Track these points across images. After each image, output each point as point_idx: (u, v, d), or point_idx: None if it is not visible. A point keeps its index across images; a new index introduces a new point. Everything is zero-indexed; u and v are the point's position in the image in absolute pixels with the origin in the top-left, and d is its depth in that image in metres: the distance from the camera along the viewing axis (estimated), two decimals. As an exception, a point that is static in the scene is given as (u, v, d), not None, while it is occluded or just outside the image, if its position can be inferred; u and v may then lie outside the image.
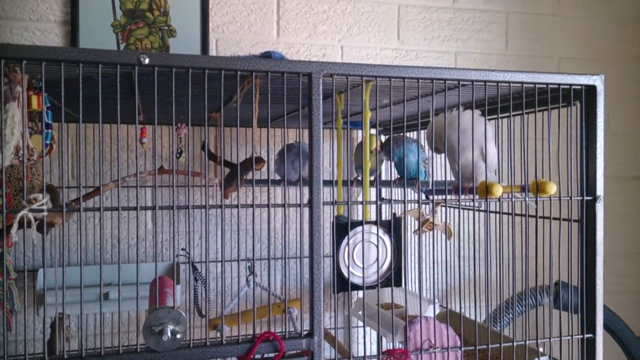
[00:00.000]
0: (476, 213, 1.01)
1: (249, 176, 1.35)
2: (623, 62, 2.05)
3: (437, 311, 1.36)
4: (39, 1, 1.54)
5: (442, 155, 1.08)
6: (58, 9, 1.55)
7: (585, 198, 1.01)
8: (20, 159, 0.79)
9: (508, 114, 1.02)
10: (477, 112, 1.01)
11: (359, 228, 0.98)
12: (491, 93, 1.03)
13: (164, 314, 0.81)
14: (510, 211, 1.05)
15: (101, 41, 1.56)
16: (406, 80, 0.91)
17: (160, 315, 0.81)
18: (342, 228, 0.98)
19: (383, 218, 1.00)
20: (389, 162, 1.40)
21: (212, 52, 1.66)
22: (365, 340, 1.79)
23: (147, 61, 0.78)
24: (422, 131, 1.45)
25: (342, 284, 0.98)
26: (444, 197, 0.98)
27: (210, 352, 0.83)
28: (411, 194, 1.62)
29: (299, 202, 0.87)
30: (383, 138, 1.61)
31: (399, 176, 1.43)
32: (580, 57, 2.00)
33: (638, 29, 2.07)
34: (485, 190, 0.96)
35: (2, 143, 0.76)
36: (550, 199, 0.99)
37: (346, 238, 0.98)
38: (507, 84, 0.96)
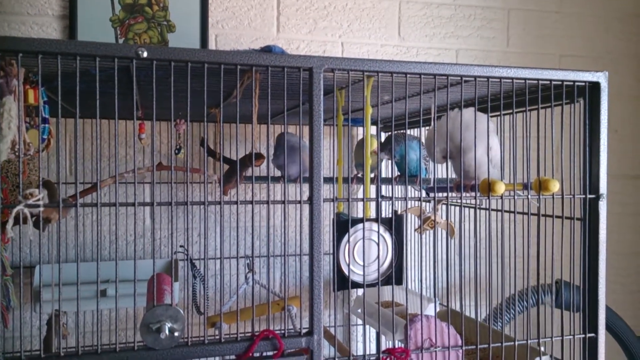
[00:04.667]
0: (478, 211, 0.99)
1: (249, 173, 1.34)
2: (624, 60, 2.04)
3: (438, 309, 1.35)
4: (36, -5, 1.52)
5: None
6: (56, 3, 1.53)
7: (588, 196, 1.00)
8: (17, 153, 0.78)
9: (511, 111, 1.01)
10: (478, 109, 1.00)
11: (360, 225, 0.97)
12: (493, 90, 1.02)
13: (162, 311, 0.80)
14: (512, 209, 1.04)
15: (99, 36, 1.54)
16: (408, 76, 0.90)
17: (158, 312, 0.80)
18: (343, 225, 0.97)
19: (384, 215, 0.99)
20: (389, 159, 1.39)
21: (212, 47, 1.64)
22: (365, 338, 1.78)
23: (145, 55, 0.77)
24: (424, 128, 1.44)
25: (343, 282, 0.97)
26: (445, 194, 0.97)
27: (208, 350, 0.82)
28: (412, 191, 1.61)
29: (299, 199, 0.86)
30: (383, 136, 1.60)
31: (399, 173, 1.42)
32: (582, 54, 1.99)
33: (639, 27, 2.06)
34: (488, 188, 0.95)
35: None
36: (553, 197, 0.98)
37: (347, 235, 0.97)
38: (510, 80, 0.95)
